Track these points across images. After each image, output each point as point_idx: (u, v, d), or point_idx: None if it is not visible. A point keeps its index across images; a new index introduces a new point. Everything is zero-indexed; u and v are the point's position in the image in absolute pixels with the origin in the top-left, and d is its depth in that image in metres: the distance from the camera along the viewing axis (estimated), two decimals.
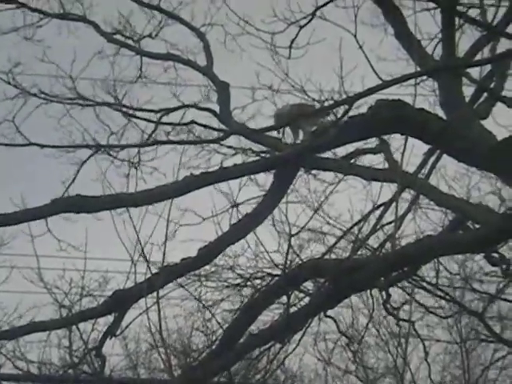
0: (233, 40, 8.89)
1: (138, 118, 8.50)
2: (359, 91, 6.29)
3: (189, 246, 7.98)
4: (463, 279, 8.66)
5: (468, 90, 8.14)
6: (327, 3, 7.43)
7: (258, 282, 9.39)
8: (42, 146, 7.85)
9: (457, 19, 7.77)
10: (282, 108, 7.92)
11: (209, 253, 7.42)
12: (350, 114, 6.95)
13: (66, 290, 7.96)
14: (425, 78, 7.81)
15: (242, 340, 7.18)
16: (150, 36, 9.77)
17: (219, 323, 8.58)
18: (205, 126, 7.75)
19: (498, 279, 8.58)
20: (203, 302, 9.57)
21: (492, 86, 8.22)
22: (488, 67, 8.26)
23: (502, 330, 8.93)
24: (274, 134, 8.05)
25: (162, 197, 7.08)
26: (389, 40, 8.24)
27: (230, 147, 8.63)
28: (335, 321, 9.06)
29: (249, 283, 9.59)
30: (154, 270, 7.11)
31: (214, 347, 7.66)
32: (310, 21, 7.84)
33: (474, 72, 8.15)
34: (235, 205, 7.77)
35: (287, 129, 7.89)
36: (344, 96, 6.86)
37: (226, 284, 9.94)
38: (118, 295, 7.28)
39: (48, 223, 7.43)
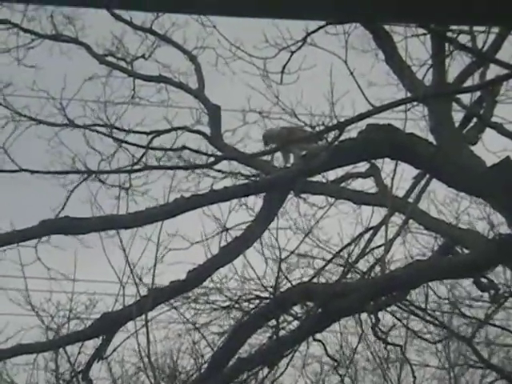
0: (225, 64, 8.92)
1: (129, 143, 8.48)
2: (350, 116, 6.32)
3: (178, 268, 7.97)
4: (452, 304, 8.67)
5: (458, 116, 8.21)
6: (317, 29, 7.48)
7: (246, 304, 9.36)
8: (33, 172, 7.84)
9: (447, 45, 7.85)
10: (271, 130, 7.94)
11: (198, 276, 7.41)
12: (341, 138, 6.99)
13: (53, 313, 7.93)
14: (415, 103, 7.85)
15: (230, 363, 7.15)
16: (142, 57, 9.78)
17: (209, 345, 8.55)
18: (196, 152, 7.75)
19: (487, 304, 8.59)
20: (192, 324, 9.53)
21: (481, 111, 8.28)
22: (478, 93, 8.31)
23: (490, 355, 8.93)
24: (265, 157, 8.08)
25: (151, 219, 7.08)
26: (380, 65, 8.29)
27: (219, 171, 8.64)
28: (323, 344, 9.04)
29: (237, 306, 9.55)
30: (143, 293, 7.11)
31: (202, 370, 7.63)
32: (300, 47, 7.88)
33: (464, 98, 8.21)
34: (225, 229, 7.77)
35: (278, 152, 7.91)
36: (335, 121, 6.89)
37: (214, 306, 9.90)
38: (106, 318, 7.24)
39: (37, 250, 7.41)
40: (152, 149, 8.39)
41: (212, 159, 7.57)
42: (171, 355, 8.78)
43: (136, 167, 8.31)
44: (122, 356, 8.26)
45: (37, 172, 7.69)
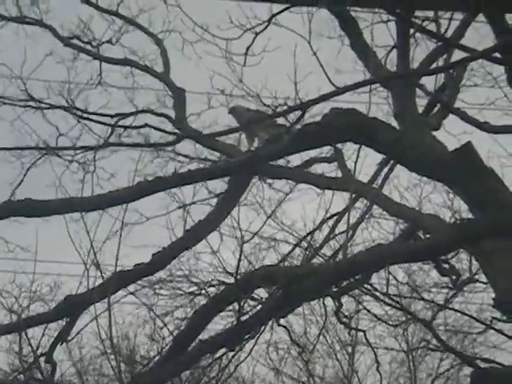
0: (190, 46, 8.91)
1: (92, 120, 8.45)
2: (313, 97, 6.33)
3: (143, 252, 7.96)
4: (412, 288, 8.75)
5: (422, 102, 8.26)
6: (282, 11, 7.47)
7: (212, 290, 9.38)
8: None
9: (412, 31, 7.89)
10: (238, 107, 7.92)
11: (162, 258, 7.40)
12: (305, 121, 7.00)
13: (17, 295, 7.89)
14: (379, 87, 7.89)
15: (191, 347, 7.15)
16: (109, 42, 9.74)
17: (170, 332, 8.55)
18: (158, 129, 7.74)
19: (447, 289, 8.68)
20: (155, 311, 9.52)
21: (445, 98, 8.34)
22: (442, 80, 8.38)
23: (449, 339, 9.03)
24: (229, 141, 8.09)
25: (115, 201, 7.05)
26: (346, 52, 8.31)
27: (185, 156, 8.64)
28: (287, 330, 9.08)
29: (203, 291, 9.57)
30: (107, 276, 7.09)
31: (163, 353, 7.63)
32: (265, 28, 7.87)
33: (428, 84, 8.26)
34: (183, 206, 7.77)
35: (243, 136, 7.92)
36: (298, 102, 6.90)
37: (179, 292, 9.91)
38: (69, 300, 7.21)
39: None
40: (116, 126, 8.36)
41: (174, 138, 7.56)
42: (133, 339, 8.78)
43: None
44: (83, 339, 8.23)
45: None
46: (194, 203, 7.81)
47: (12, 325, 7.24)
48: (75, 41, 9.78)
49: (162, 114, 8.56)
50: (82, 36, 9.81)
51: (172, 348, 7.22)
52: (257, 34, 7.95)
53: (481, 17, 7.08)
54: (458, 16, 7.86)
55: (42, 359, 7.43)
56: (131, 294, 7.90)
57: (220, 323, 8.58)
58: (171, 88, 8.85)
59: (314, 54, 6.61)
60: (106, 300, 6.62)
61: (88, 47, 9.78)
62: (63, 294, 7.82)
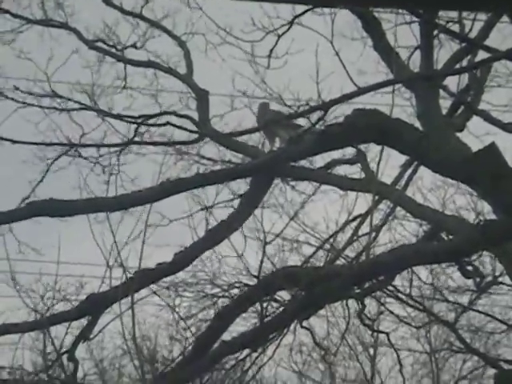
0: (213, 49, 8.93)
1: (117, 118, 8.48)
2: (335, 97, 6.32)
3: (166, 252, 7.98)
4: (436, 290, 8.70)
5: (446, 103, 8.23)
6: (304, 12, 7.47)
7: (235, 291, 9.38)
8: (14, 142, 7.80)
9: (435, 32, 7.86)
10: (267, 105, 7.87)
11: (184, 258, 7.42)
12: (327, 122, 6.99)
13: (42, 294, 7.93)
14: (402, 88, 7.87)
15: (214, 347, 7.16)
16: (134, 46, 9.79)
17: (193, 334, 8.56)
18: (180, 128, 7.77)
19: (471, 291, 8.63)
20: (179, 313, 9.54)
21: (469, 99, 8.30)
22: (465, 81, 8.34)
23: (472, 340, 8.97)
24: (252, 142, 8.09)
25: (138, 201, 7.09)
26: (369, 54, 8.30)
27: (209, 159, 8.66)
28: (311, 332, 9.05)
29: (226, 293, 9.57)
30: (130, 275, 7.12)
31: (186, 354, 7.64)
32: (287, 30, 7.88)
33: (452, 86, 8.23)
34: (205, 208, 7.79)
35: (265, 137, 7.92)
36: (320, 102, 6.89)
37: (203, 294, 9.91)
38: (92, 299, 7.25)
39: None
40: (139, 124, 8.39)
41: (196, 137, 7.58)
42: (155, 340, 8.80)
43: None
44: (104, 338, 8.27)
45: (17, 142, 7.68)
46: (216, 205, 7.81)
47: (35, 323, 7.29)
48: (100, 44, 9.84)
49: (185, 116, 8.58)
50: (106, 39, 9.86)
51: (194, 349, 7.24)
52: (279, 35, 7.96)
53: (505, 17, 7.05)
54: (482, 17, 7.82)
55: (65, 357, 7.47)
56: (154, 293, 7.92)
57: (243, 325, 8.58)
58: (194, 90, 8.87)
59: (337, 54, 6.60)
60: (128, 299, 6.66)
61: (113, 50, 9.83)
62: (87, 293, 7.84)
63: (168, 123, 7.69)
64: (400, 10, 7.45)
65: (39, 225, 7.30)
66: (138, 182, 8.75)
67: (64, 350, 7.36)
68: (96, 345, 9.04)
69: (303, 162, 7.67)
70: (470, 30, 7.89)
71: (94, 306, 7.19)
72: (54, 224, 7.38)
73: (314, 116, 6.77)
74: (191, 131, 7.60)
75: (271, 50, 8.04)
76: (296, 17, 7.67)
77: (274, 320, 7.48)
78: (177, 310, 9.55)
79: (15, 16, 9.62)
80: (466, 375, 10.60)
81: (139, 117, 8.79)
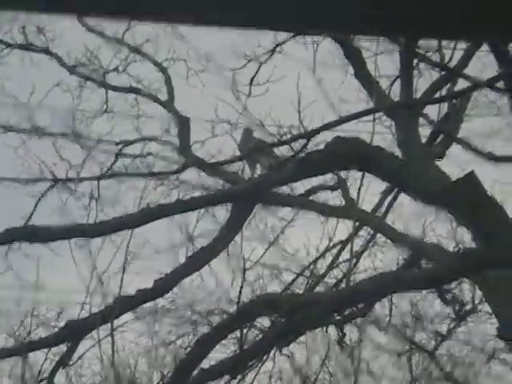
0: (195, 75, 8.97)
1: (99, 147, 8.49)
2: (317, 126, 6.38)
3: (145, 279, 7.96)
4: (416, 318, 8.72)
5: (426, 131, 8.28)
6: (287, 40, 7.54)
7: (215, 318, 9.35)
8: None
9: (415, 61, 7.94)
10: (250, 131, 7.90)
11: (165, 284, 7.41)
12: (308, 150, 7.04)
13: (21, 320, 7.89)
14: (383, 116, 7.92)
15: (193, 375, 7.14)
16: (115, 70, 9.80)
17: (173, 360, 8.52)
18: (162, 159, 7.78)
19: (450, 319, 8.66)
20: (157, 339, 9.49)
21: (448, 128, 8.36)
22: (445, 110, 8.40)
23: (453, 369, 8.99)
24: (233, 169, 8.11)
25: (118, 227, 7.09)
26: (350, 81, 8.36)
27: (189, 184, 8.65)
28: (290, 358, 9.03)
29: (206, 320, 9.54)
30: (110, 302, 7.10)
31: (165, 381, 7.61)
32: (269, 57, 7.93)
33: (432, 114, 8.29)
34: (190, 237, 7.78)
35: (245, 164, 7.94)
36: (302, 130, 6.94)
37: (182, 320, 9.87)
38: (71, 325, 7.21)
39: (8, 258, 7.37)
40: (120, 155, 8.40)
41: (178, 166, 7.60)
42: (134, 367, 8.75)
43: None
44: (83, 364, 8.21)
45: (3, 179, 7.67)
46: (200, 236, 7.80)
47: (14, 348, 7.24)
48: (81, 69, 9.85)
49: (166, 142, 8.60)
50: (88, 64, 9.88)
51: (174, 376, 7.21)
52: (261, 63, 8.02)
53: (484, 46, 7.13)
54: (462, 45, 7.91)
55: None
56: (134, 319, 7.89)
57: (222, 351, 8.55)
58: (176, 116, 8.89)
59: (319, 82, 6.66)
60: (108, 325, 6.64)
61: (94, 75, 9.85)
62: (66, 319, 7.79)
63: (150, 154, 7.71)
64: (381, 39, 7.52)
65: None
66: (119, 206, 8.76)
67: (42, 376, 7.31)
68: (75, 371, 8.97)
69: (284, 189, 7.70)
70: (450, 59, 7.97)
71: (73, 333, 7.16)
72: (35, 248, 7.36)
73: (297, 144, 6.82)
74: (173, 162, 7.61)
75: (252, 78, 8.09)
76: (278, 45, 7.73)
77: (254, 347, 7.48)
78: (155, 336, 9.52)
79: None
80: None
81: (120, 142, 8.80)
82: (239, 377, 8.23)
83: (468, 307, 8.57)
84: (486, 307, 7.98)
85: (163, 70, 9.44)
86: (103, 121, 9.55)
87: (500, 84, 6.27)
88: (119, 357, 7.56)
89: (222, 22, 1.96)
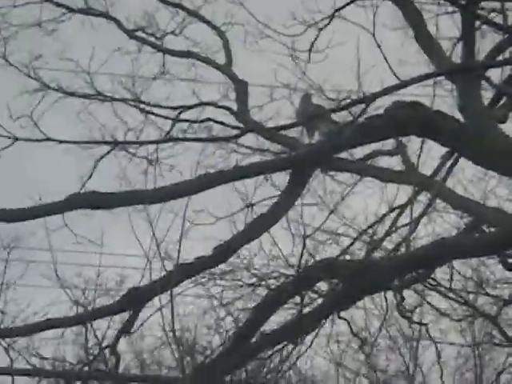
0: (253, 41, 8.91)
1: (156, 114, 8.51)
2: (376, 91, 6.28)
3: (204, 244, 8.00)
4: (477, 283, 8.64)
5: (487, 94, 8.12)
6: (346, 5, 7.41)
7: (272, 281, 9.37)
8: (60, 142, 7.89)
9: (478, 23, 7.75)
10: (310, 97, 7.82)
11: (223, 252, 7.42)
12: (367, 115, 6.95)
13: (83, 287, 7.99)
14: (443, 79, 7.78)
15: (254, 339, 7.17)
16: (173, 33, 9.81)
17: (234, 320, 8.57)
18: (221, 123, 7.75)
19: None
20: (218, 300, 9.56)
21: (511, 90, 8.17)
22: (507, 72, 8.21)
23: None
24: (292, 133, 8.07)
25: (177, 194, 7.10)
26: (410, 43, 8.21)
27: (248, 147, 8.64)
28: (349, 323, 9.03)
29: (263, 283, 9.57)
30: (169, 269, 7.15)
31: (226, 346, 7.67)
32: (329, 23, 7.82)
33: (494, 76, 8.11)
34: (250, 205, 7.77)
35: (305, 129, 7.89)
36: (361, 95, 6.85)
37: (240, 283, 9.93)
38: (132, 293, 7.28)
39: (65, 218, 7.44)
40: (178, 121, 8.40)
41: (237, 132, 7.57)
42: (195, 330, 8.83)
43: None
44: (144, 331, 8.29)
45: (64, 142, 7.74)
46: (260, 202, 7.77)
47: (78, 317, 7.34)
48: (139, 33, 9.87)
49: (224, 107, 8.58)
50: (146, 28, 9.89)
51: (234, 340, 7.26)
52: (320, 29, 7.91)
53: None
54: None
55: (107, 351, 7.52)
56: (200, 284, 7.94)
57: (281, 315, 8.59)
58: (233, 80, 8.85)
59: (379, 46, 6.55)
60: (168, 292, 6.68)
61: (152, 39, 9.86)
62: (128, 287, 7.88)
63: (209, 119, 7.68)
64: (441, 1, 7.37)
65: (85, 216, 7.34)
66: (177, 172, 8.79)
67: (106, 343, 7.41)
68: (136, 337, 9.09)
69: (343, 154, 7.64)
70: None
71: (134, 301, 7.23)
72: (98, 215, 7.42)
73: (356, 109, 6.73)
74: (233, 127, 7.58)
75: (312, 44, 8.00)
76: (337, 10, 7.61)
77: (313, 313, 7.47)
78: (215, 298, 9.59)
79: (57, 5, 9.70)
80: (509, 366, 10.50)
81: (178, 107, 8.81)
82: (299, 340, 8.26)
83: None
84: None
85: (221, 33, 9.40)
86: (161, 85, 9.60)
87: None
88: (180, 322, 7.62)
89: None
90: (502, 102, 8.15)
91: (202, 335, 9.22)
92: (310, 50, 8.01)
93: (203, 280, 9.16)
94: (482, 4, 7.58)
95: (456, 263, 8.45)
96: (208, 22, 9.66)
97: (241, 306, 9.64)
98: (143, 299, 7.17)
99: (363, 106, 6.65)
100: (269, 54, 8.55)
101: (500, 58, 7.74)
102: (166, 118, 8.43)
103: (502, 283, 8.56)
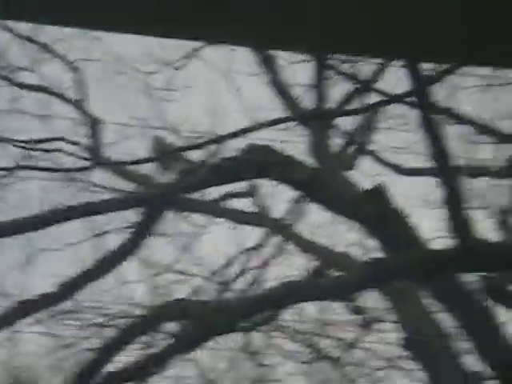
0: (109, 76, 8.87)
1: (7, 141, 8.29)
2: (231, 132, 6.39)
3: (48, 280, 7.81)
4: (321, 325, 8.82)
5: (337, 142, 8.38)
6: (202, 47, 7.53)
7: (122, 321, 9.24)
8: None
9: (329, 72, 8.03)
10: (160, 138, 7.87)
11: (70, 288, 7.27)
12: (222, 156, 7.04)
13: None
14: (296, 124, 7.99)
15: (97, 380, 7.03)
16: (25, 69, 9.62)
17: (78, 360, 8.38)
18: (72, 155, 7.65)
19: (356, 327, 8.78)
20: (62, 340, 9.34)
21: (360, 138, 8.49)
22: (357, 121, 8.52)
23: (357, 377, 9.12)
24: (144, 170, 8.05)
25: (23, 229, 6.92)
26: (265, 89, 8.40)
27: (99, 186, 8.54)
28: (196, 364, 9.01)
29: (112, 323, 9.42)
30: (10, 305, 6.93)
31: None
32: (185, 63, 7.92)
33: (344, 124, 8.40)
34: (97, 234, 7.68)
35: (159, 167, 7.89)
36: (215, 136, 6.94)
37: (88, 323, 9.73)
38: None
39: None
40: (28, 149, 8.20)
41: (86, 164, 7.48)
42: (36, 370, 8.58)
43: None
44: None
45: None
46: (108, 232, 7.71)
47: None
48: None
49: (76, 143, 8.46)
50: None
51: (77, 380, 7.08)
52: (177, 68, 7.99)
53: (397, 61, 7.25)
54: (375, 59, 8.02)
55: None
56: (36, 321, 7.73)
57: (127, 355, 8.46)
58: (87, 117, 8.77)
59: (235, 89, 6.67)
60: (7, 329, 6.47)
61: (4, 73, 9.64)
62: None
63: (59, 150, 7.56)
64: (295, 50, 7.57)
65: None
66: (25, 209, 8.56)
67: None
68: None
69: (196, 195, 7.68)
70: (364, 71, 8.09)
71: None
72: None
73: (210, 149, 6.81)
74: (84, 158, 7.48)
75: (167, 83, 8.06)
76: (194, 50, 7.72)
77: (160, 353, 7.40)
78: (59, 338, 9.36)
79: None
80: None
81: (29, 141, 8.61)
82: (143, 382, 8.15)
83: (374, 316, 8.70)
84: (392, 316, 8.11)
85: (76, 69, 9.30)
86: (12, 119, 9.37)
87: (411, 99, 6.38)
88: (20, 360, 7.39)
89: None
90: (350, 151, 8.45)
91: (42, 375, 8.96)
92: (165, 89, 8.07)
93: (46, 318, 8.93)
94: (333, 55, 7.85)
95: (303, 305, 8.60)
96: (62, 58, 9.54)
97: (88, 347, 9.44)
98: None
99: (217, 146, 6.73)
100: (125, 91, 8.54)
101: (350, 107, 8.03)
102: (15, 146, 8.21)
103: (348, 326, 8.79)
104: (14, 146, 8.28)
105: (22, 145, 8.32)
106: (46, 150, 8.13)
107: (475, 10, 1.77)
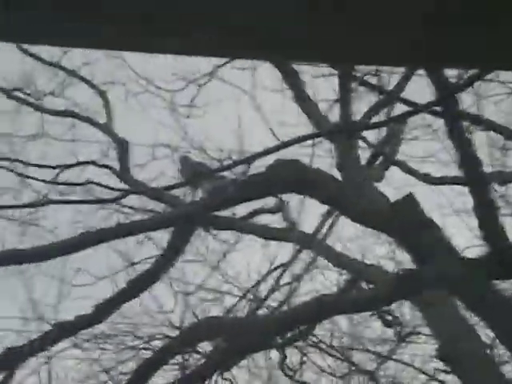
0: (134, 98, 8.94)
1: (32, 177, 8.33)
2: (258, 151, 6.40)
3: (84, 304, 7.84)
4: (356, 339, 8.78)
5: (364, 154, 8.38)
6: (224, 64, 7.57)
7: (156, 343, 9.27)
8: None
9: (353, 85, 8.02)
10: (187, 158, 7.91)
11: (104, 310, 7.28)
12: (249, 172, 7.04)
13: None
14: (322, 140, 7.98)
15: None
16: (52, 94, 9.72)
17: None
18: (102, 186, 7.66)
19: (391, 341, 8.73)
20: (100, 365, 9.37)
21: (387, 150, 8.46)
22: (384, 132, 8.51)
23: None
24: (174, 192, 8.07)
25: (56, 253, 6.95)
26: (289, 105, 8.42)
27: (130, 207, 8.59)
28: (232, 383, 8.99)
29: (147, 345, 9.45)
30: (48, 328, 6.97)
31: None
32: (209, 80, 7.96)
33: (371, 136, 8.39)
34: (132, 264, 7.70)
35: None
36: (243, 156, 6.95)
37: (123, 346, 9.76)
38: (7, 353, 7.03)
39: None
40: (56, 183, 8.26)
41: (118, 193, 7.51)
42: None
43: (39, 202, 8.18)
44: None
45: None
46: (142, 261, 7.71)
47: None
48: (17, 93, 9.74)
49: (105, 166, 8.51)
50: (23, 88, 9.78)
51: None
52: (200, 85, 8.04)
53: (421, 70, 7.24)
54: (400, 70, 8.02)
55: None
56: (73, 345, 7.76)
57: (163, 377, 8.47)
58: (114, 139, 8.83)
59: (258, 107, 6.69)
60: (45, 353, 6.51)
61: (30, 99, 9.74)
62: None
63: (89, 182, 7.59)
64: (319, 64, 7.59)
65: None
66: (56, 233, 8.62)
67: None
68: None
69: (225, 212, 7.69)
70: (389, 82, 8.09)
71: (9, 361, 6.98)
72: None
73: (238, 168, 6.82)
74: (115, 189, 7.47)
75: (192, 100, 8.11)
76: (217, 67, 7.77)
77: (196, 372, 7.40)
78: (97, 362, 9.39)
79: None
80: None
81: (57, 166, 8.68)
82: None
83: (408, 329, 8.64)
84: (427, 328, 8.06)
85: (101, 93, 9.38)
86: (40, 146, 9.45)
87: (437, 108, 6.36)
88: None
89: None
90: (378, 162, 8.42)
91: None
92: (190, 105, 8.12)
93: (85, 343, 8.97)
94: (358, 67, 7.85)
95: (336, 320, 8.58)
96: (88, 82, 9.63)
97: (124, 370, 9.46)
98: (19, 359, 6.94)
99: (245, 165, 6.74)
100: (150, 111, 8.60)
101: (376, 118, 8.02)
102: (43, 181, 8.26)
103: (381, 340, 8.73)
104: (34, 178, 8.30)
105: (52, 172, 8.37)
106: (76, 184, 8.14)
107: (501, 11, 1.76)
